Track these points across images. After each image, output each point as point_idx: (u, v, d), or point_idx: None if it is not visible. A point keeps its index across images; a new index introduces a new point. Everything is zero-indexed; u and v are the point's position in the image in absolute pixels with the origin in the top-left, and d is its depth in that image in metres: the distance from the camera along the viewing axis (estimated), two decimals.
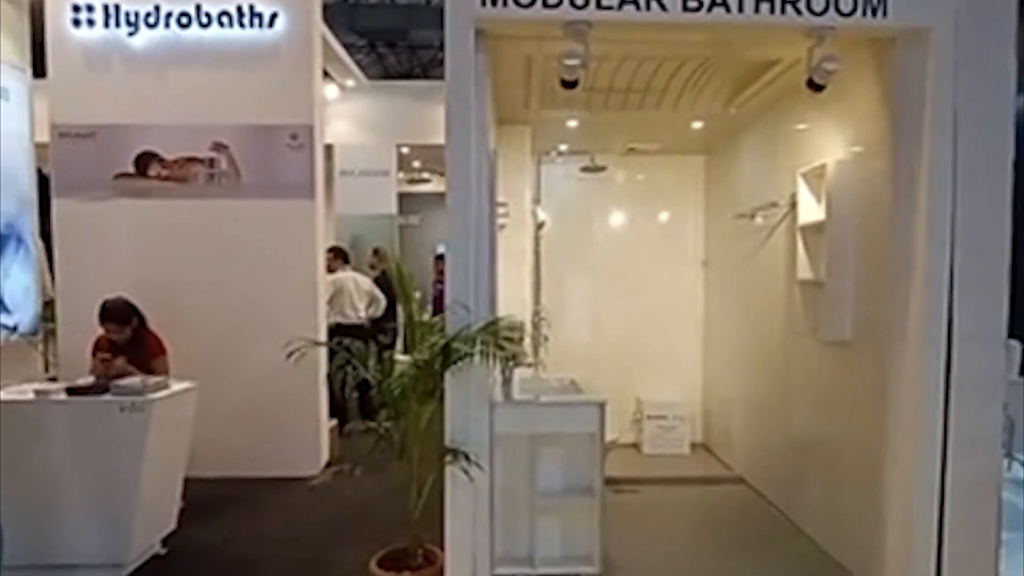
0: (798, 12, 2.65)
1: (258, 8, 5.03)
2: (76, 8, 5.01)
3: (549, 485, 2.99)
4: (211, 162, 5.09)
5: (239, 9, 5.01)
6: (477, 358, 2.43)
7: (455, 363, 2.50)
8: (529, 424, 2.87)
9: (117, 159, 5.07)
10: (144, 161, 5.09)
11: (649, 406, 5.41)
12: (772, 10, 2.64)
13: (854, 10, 2.66)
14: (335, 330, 6.01)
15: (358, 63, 6.89)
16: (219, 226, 5.08)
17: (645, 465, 5.10)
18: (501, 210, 4.13)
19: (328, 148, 7.46)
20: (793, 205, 3.66)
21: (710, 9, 2.63)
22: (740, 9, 2.63)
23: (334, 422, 5.55)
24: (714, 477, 4.75)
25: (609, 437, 4.14)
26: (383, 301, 6.35)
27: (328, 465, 5.06)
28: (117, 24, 5.02)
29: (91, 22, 5.02)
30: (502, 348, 2.33)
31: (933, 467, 2.74)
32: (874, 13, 2.66)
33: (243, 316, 4.95)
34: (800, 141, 3.73)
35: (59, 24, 5.02)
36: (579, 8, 2.59)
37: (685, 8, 2.62)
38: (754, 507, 4.22)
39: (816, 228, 3.37)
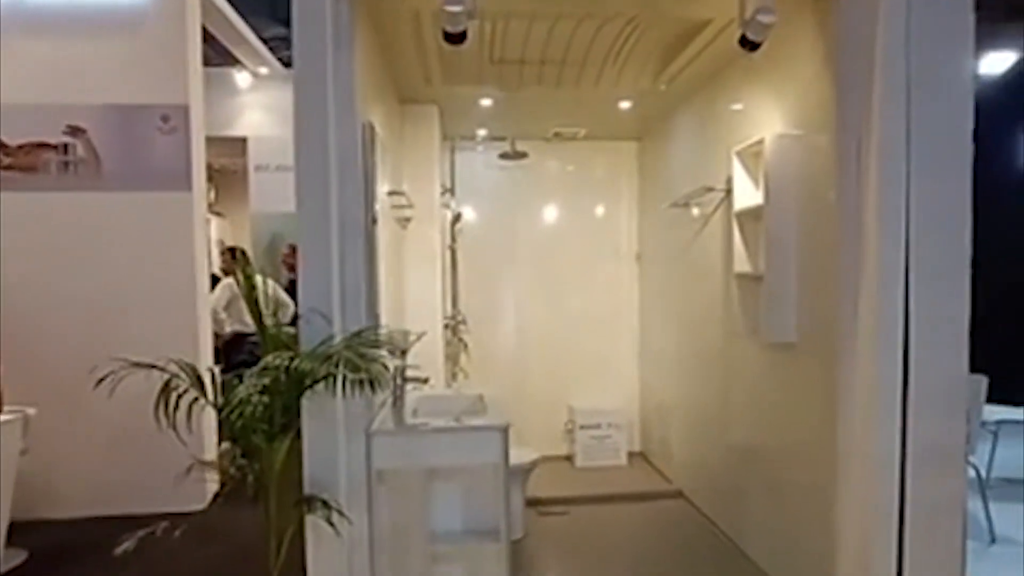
0: None
1: None
2: None
3: (447, 527, 2.46)
4: (65, 148, 4.34)
5: None
6: (337, 382, 1.87)
7: (310, 387, 1.94)
8: (417, 456, 2.33)
9: None
10: None
11: (581, 415, 4.95)
12: None
13: None
14: (232, 341, 5.33)
15: (282, 59, 6.22)
16: (78, 223, 4.34)
17: (577, 480, 4.63)
18: (402, 201, 3.57)
19: (242, 142, 6.77)
20: (729, 191, 3.24)
21: None
22: None
23: (227, 446, 4.87)
24: (650, 492, 4.32)
25: (530, 457, 3.65)
26: (291, 307, 5.69)
27: (216, 497, 4.40)
28: None
29: None
30: (357, 368, 1.78)
31: (891, 483, 2.34)
32: None
33: (109, 328, 4.22)
34: (736, 118, 3.32)
35: None
36: None
37: None
38: (693, 526, 3.80)
39: (754, 214, 2.95)
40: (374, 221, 2.34)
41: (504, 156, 4.73)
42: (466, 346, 4.78)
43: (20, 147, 4.36)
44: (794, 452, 2.81)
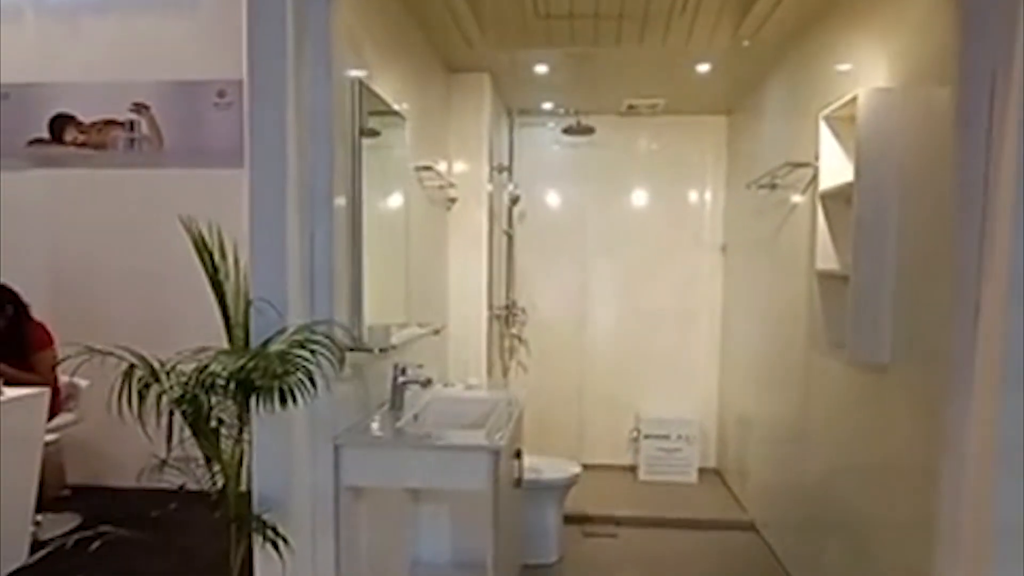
0: None
1: None
2: None
3: (432, 556, 2.10)
4: (131, 125, 4.38)
5: None
6: (276, 389, 1.55)
7: (254, 392, 1.63)
8: (394, 474, 1.98)
9: (31, 123, 4.42)
10: (60, 125, 4.42)
11: (648, 423, 4.42)
12: None
13: None
14: None
15: None
16: (140, 200, 4.37)
17: (636, 497, 4.13)
18: (436, 179, 3.22)
19: None
20: (817, 170, 2.61)
21: None
22: None
23: None
24: (717, 521, 3.73)
25: (569, 472, 3.22)
26: None
27: None
28: None
29: None
30: (282, 375, 1.45)
31: (1013, 559, 1.71)
32: None
33: (164, 302, 4.23)
34: (829, 75, 2.67)
35: None
36: None
37: None
38: (759, 568, 3.21)
39: (843, 195, 2.32)
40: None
41: (568, 131, 4.26)
42: (520, 339, 4.40)
43: (93, 124, 4.45)
44: (882, 504, 2.19)
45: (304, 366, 1.51)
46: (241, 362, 1.45)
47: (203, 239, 1.91)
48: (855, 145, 2.16)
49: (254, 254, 1.78)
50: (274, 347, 1.60)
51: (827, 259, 2.46)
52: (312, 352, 1.57)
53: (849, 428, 2.44)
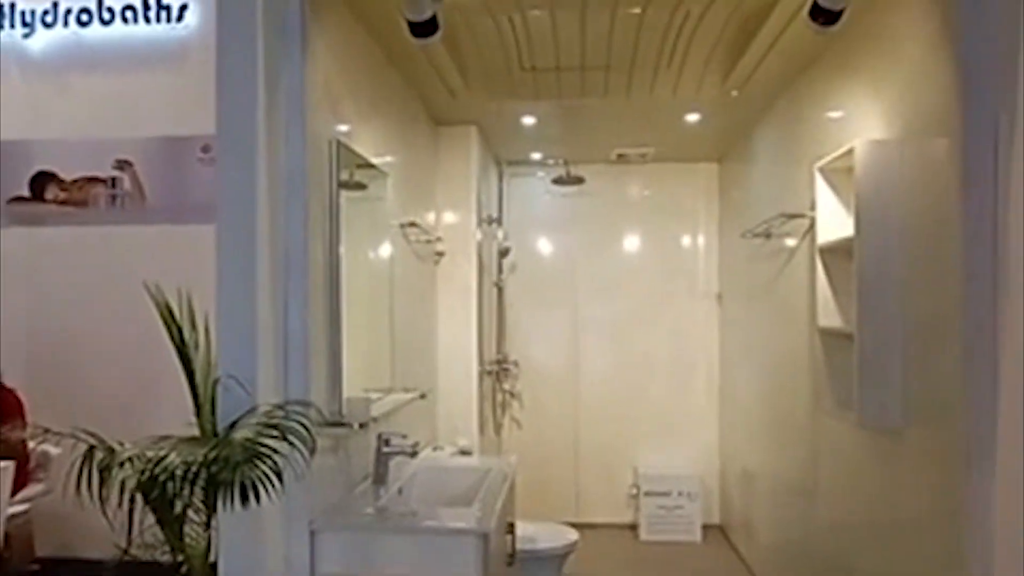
0: None
1: (166, 0, 4.27)
2: None
3: None
4: (113, 182, 4.30)
5: (145, 2, 4.26)
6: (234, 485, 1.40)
7: (215, 487, 1.48)
8: (374, 561, 1.82)
9: (12, 181, 4.34)
10: (41, 183, 4.34)
11: (648, 479, 4.25)
12: None
13: None
14: None
15: None
16: (122, 258, 4.26)
17: (638, 558, 3.93)
18: (421, 234, 3.13)
19: None
20: (813, 220, 2.53)
21: None
22: None
23: None
24: None
25: (566, 540, 3.04)
26: None
27: None
28: (12, 25, 4.34)
29: None
30: (245, 466, 1.31)
31: None
32: None
33: (146, 364, 4.08)
34: (822, 124, 2.62)
35: None
36: None
37: None
38: None
39: (843, 250, 2.23)
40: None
41: (558, 181, 4.21)
42: (512, 394, 4.25)
43: (74, 181, 4.37)
44: (897, 572, 2.03)
45: (271, 456, 1.37)
46: (201, 453, 1.32)
47: (170, 310, 1.79)
48: (854, 200, 2.08)
49: (222, 326, 1.67)
50: (240, 433, 1.47)
51: (829, 315, 2.36)
52: (284, 437, 1.43)
53: (862, 490, 2.30)
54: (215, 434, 1.62)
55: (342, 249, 2.01)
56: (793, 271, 2.91)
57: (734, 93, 3.06)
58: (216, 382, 1.65)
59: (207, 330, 1.85)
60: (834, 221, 2.35)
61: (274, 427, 1.45)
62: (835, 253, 2.34)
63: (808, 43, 2.41)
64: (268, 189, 1.74)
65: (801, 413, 2.82)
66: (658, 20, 2.37)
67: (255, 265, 1.68)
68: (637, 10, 2.29)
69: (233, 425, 1.57)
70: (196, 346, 1.80)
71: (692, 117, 3.53)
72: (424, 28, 1.71)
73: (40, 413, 3.47)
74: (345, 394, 1.99)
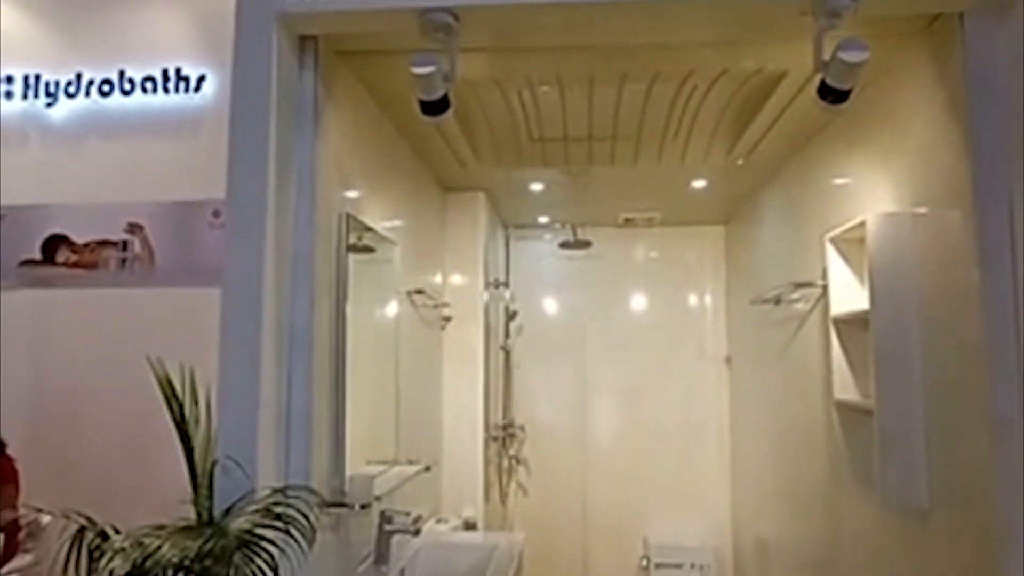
0: None
1: (185, 71, 4.39)
2: None
3: None
4: (124, 245, 4.33)
5: (164, 73, 4.38)
6: None
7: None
8: None
9: (24, 244, 4.38)
10: (53, 246, 4.37)
11: (659, 550, 4.09)
12: None
13: None
14: None
15: None
16: (129, 319, 4.25)
17: None
18: (428, 300, 3.11)
19: None
20: (824, 288, 2.50)
21: None
22: None
23: None
24: None
25: None
26: None
27: None
28: (36, 95, 4.48)
29: (9, 94, 4.48)
30: (240, 560, 1.25)
31: None
32: None
33: (150, 430, 4.01)
34: (831, 194, 2.62)
35: None
36: None
37: None
38: None
39: (857, 321, 2.19)
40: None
41: (565, 245, 4.22)
42: (518, 460, 4.14)
43: (86, 245, 4.41)
44: None
45: (267, 550, 1.31)
46: (195, 546, 1.26)
47: (171, 384, 1.75)
48: (868, 274, 2.05)
49: (223, 405, 1.62)
50: (236, 522, 1.41)
51: (846, 388, 2.29)
52: (284, 527, 1.37)
53: (884, 571, 2.18)
54: (211, 519, 1.56)
55: (348, 321, 1.99)
56: (805, 339, 2.86)
57: (740, 162, 3.08)
58: (214, 464, 1.60)
59: (209, 405, 1.81)
60: (847, 292, 2.32)
61: (272, 514, 1.38)
62: (850, 324, 2.29)
63: (814, 115, 2.44)
64: (275, 264, 1.73)
65: (818, 486, 2.72)
66: (664, 94, 2.40)
67: (259, 341, 1.65)
68: (644, 86, 2.32)
69: (229, 510, 1.51)
70: (197, 422, 1.76)
71: (698, 183, 3.56)
72: (436, 107, 1.72)
73: (37, 478, 3.40)
74: (348, 471, 1.92)
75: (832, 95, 1.69)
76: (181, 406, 1.73)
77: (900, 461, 1.92)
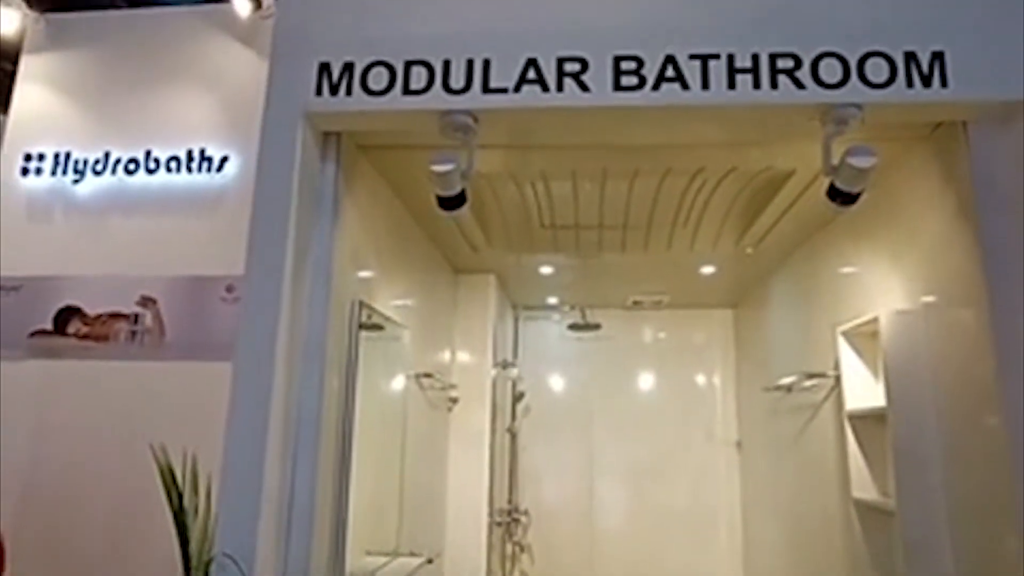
0: (797, 85, 1.69)
1: (209, 152, 4.55)
2: (28, 157, 4.67)
3: None
4: (136, 318, 4.37)
5: (189, 154, 4.55)
6: None
7: None
8: None
9: (38, 314, 4.43)
10: (65, 317, 4.42)
11: None
12: (756, 84, 1.70)
13: (891, 79, 1.68)
14: None
15: None
16: (136, 393, 4.23)
17: None
18: (436, 383, 3.09)
19: None
20: (838, 377, 2.47)
21: (656, 86, 1.71)
22: (704, 85, 1.70)
23: None
24: None
25: None
26: None
27: None
28: (64, 172, 4.63)
29: (39, 171, 4.65)
30: None
31: None
32: (925, 83, 1.68)
33: (143, 508, 3.91)
34: (841, 285, 2.63)
35: (8, 174, 4.67)
36: (455, 93, 1.73)
37: (618, 87, 1.71)
38: None
39: (874, 418, 2.15)
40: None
41: (574, 327, 4.22)
42: (522, 547, 3.99)
43: (98, 316, 4.45)
44: None
45: None
46: None
47: (172, 471, 1.73)
48: (883, 373, 2.03)
49: (224, 493, 1.59)
50: None
51: (864, 487, 2.23)
52: None
53: None
54: None
55: (356, 408, 1.97)
56: (819, 430, 2.80)
57: (749, 250, 3.11)
58: (210, 561, 1.55)
59: (209, 494, 1.77)
60: (861, 386, 2.29)
61: None
62: (865, 420, 2.25)
63: (822, 210, 2.47)
64: (287, 349, 1.73)
65: None
66: (675, 187, 2.46)
67: (267, 429, 1.63)
68: (655, 180, 2.38)
69: None
70: (196, 511, 1.72)
71: (707, 269, 3.58)
72: (453, 202, 1.77)
73: (26, 553, 3.30)
74: (348, 567, 1.85)
75: (842, 197, 1.73)
76: (181, 496, 1.70)
77: (924, 564, 1.84)
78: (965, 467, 1.82)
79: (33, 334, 4.36)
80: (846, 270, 2.59)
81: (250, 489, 1.59)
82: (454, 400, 3.45)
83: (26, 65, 4.50)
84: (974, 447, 1.78)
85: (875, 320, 2.08)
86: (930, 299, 1.98)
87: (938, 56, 1.68)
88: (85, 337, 4.35)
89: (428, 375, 2.86)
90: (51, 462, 4.01)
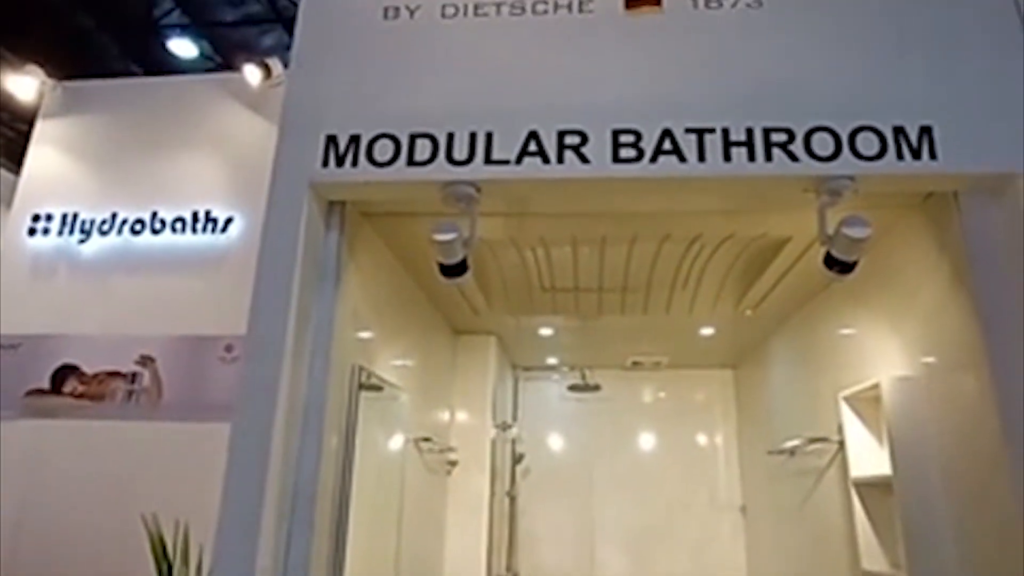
0: (791, 157, 1.74)
1: (214, 214, 4.63)
2: (36, 217, 4.74)
3: None
4: (133, 377, 4.34)
5: (194, 215, 4.62)
6: None
7: None
8: None
9: (35, 373, 4.40)
10: (62, 376, 4.39)
11: None
12: (751, 157, 1.75)
13: (882, 152, 1.74)
14: None
15: None
16: (130, 454, 4.16)
17: None
18: (444, 446, 3.05)
19: None
20: (841, 442, 2.45)
21: (654, 159, 1.76)
22: (700, 158, 1.76)
23: None
24: None
25: None
26: None
27: None
28: (71, 232, 4.69)
29: (46, 231, 4.72)
30: None
31: None
32: (915, 155, 1.73)
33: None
34: (841, 349, 2.63)
35: (15, 234, 4.74)
36: (458, 164, 1.78)
37: (616, 159, 1.76)
38: None
39: (880, 485, 2.12)
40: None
41: (574, 388, 4.19)
42: None
43: (95, 376, 4.42)
44: None
45: None
46: None
47: (162, 541, 1.69)
48: (888, 441, 2.02)
49: (217, 564, 1.54)
50: None
51: (874, 558, 2.17)
52: None
53: None
54: None
55: (354, 474, 1.94)
56: (825, 496, 2.75)
57: (748, 313, 3.13)
58: None
59: (200, 566, 1.73)
60: (866, 453, 2.27)
61: None
62: (871, 488, 2.22)
63: (820, 275, 2.50)
64: (286, 414, 1.71)
65: None
66: (673, 253, 2.50)
67: (263, 499, 1.60)
68: (654, 245, 2.42)
69: None
70: None
71: (706, 331, 3.59)
72: (455, 270, 1.80)
73: None
74: None
75: (838, 266, 1.76)
76: (171, 568, 1.65)
77: None
78: (977, 540, 1.78)
79: (29, 393, 4.33)
80: (846, 332, 2.60)
81: (243, 561, 1.55)
82: (453, 463, 3.40)
83: (41, 129, 4.62)
84: (985, 519, 1.75)
85: (876, 386, 2.08)
86: (930, 364, 1.99)
87: (926, 130, 1.74)
88: (81, 396, 4.32)
89: (427, 439, 2.83)
90: (40, 525, 3.91)
